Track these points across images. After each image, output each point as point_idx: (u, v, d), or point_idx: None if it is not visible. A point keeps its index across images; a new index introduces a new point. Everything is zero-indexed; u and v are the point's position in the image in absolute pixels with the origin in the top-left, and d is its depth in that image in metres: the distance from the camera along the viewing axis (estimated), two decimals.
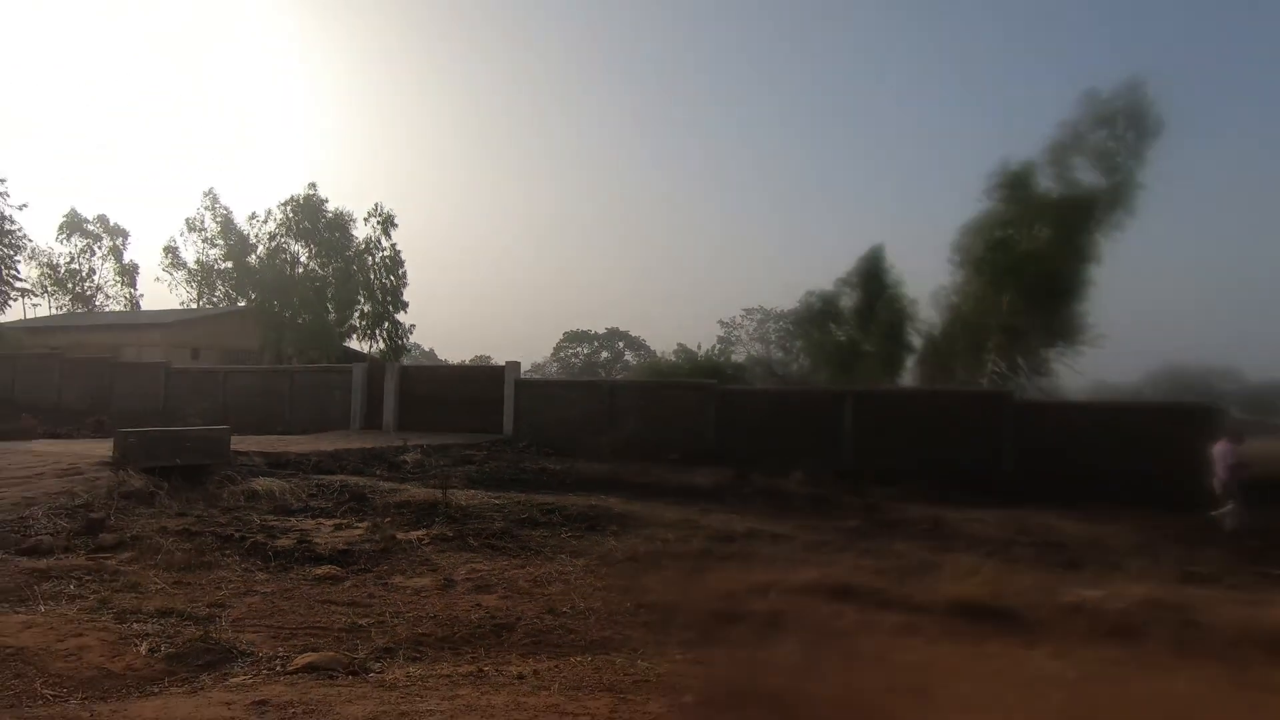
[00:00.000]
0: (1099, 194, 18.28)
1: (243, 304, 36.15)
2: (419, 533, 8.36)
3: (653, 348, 73.37)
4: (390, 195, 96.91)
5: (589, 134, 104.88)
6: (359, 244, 30.49)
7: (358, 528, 8.50)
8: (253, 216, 33.09)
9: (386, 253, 30.12)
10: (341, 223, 30.77)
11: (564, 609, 5.97)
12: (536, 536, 8.41)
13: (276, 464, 12.12)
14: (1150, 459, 14.26)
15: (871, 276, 30.82)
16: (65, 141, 78.43)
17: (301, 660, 4.43)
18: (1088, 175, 18.49)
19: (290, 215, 30.73)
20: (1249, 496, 12.03)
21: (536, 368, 77.02)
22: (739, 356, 60.77)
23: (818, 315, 34.66)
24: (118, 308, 39.73)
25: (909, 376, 29.44)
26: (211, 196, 37.38)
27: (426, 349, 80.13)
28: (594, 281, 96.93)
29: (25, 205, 31.44)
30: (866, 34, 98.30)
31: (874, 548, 8.50)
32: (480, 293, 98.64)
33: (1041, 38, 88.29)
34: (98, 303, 38.16)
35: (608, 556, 7.73)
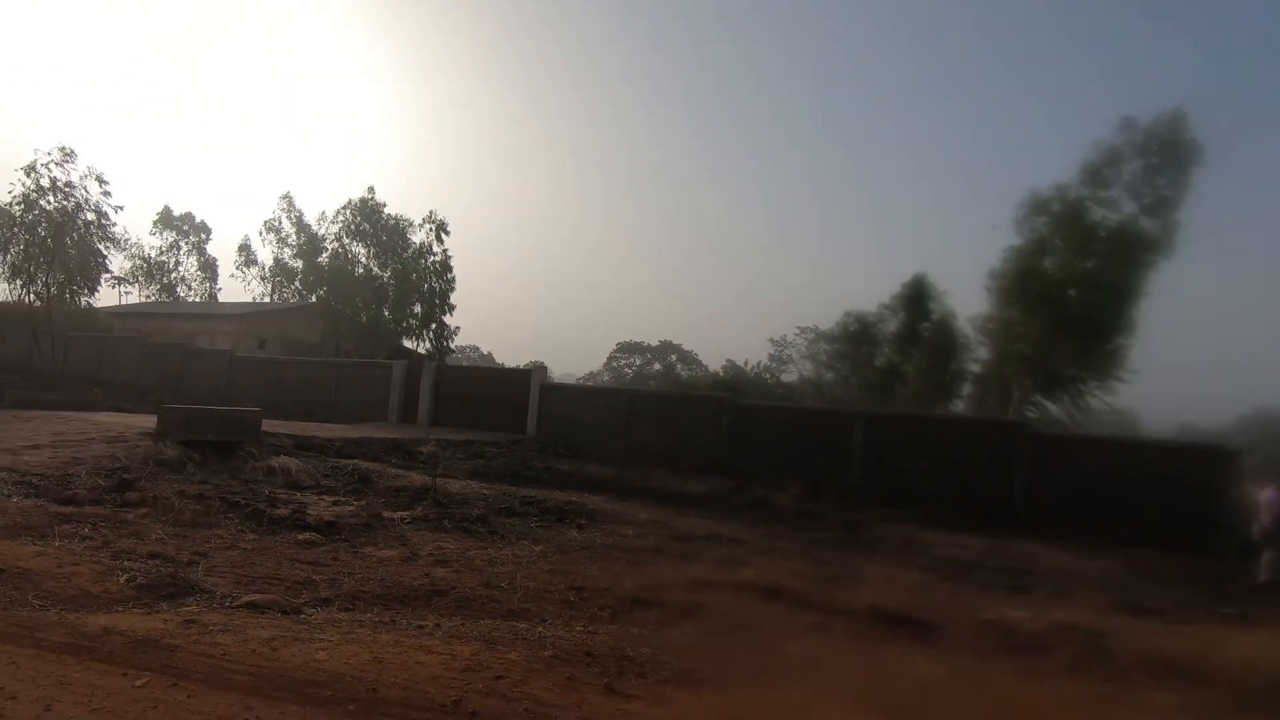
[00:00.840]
0: (1134, 224, 17.88)
1: (313, 300, 38.48)
2: (404, 513, 9.17)
3: (705, 362, 73.63)
4: (453, 204, 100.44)
5: (650, 151, 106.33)
6: (414, 248, 32.20)
7: (351, 505, 9.37)
8: (321, 216, 35.34)
9: (438, 257, 31.72)
10: (399, 227, 32.57)
11: (501, 584, 6.61)
12: (508, 524, 9.10)
13: (302, 446, 13.21)
14: (1165, 498, 13.91)
15: (914, 302, 30.66)
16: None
17: (246, 599, 5.21)
18: (1126, 204, 18.09)
19: (350, 217, 32.73)
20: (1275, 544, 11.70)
21: (591, 376, 78.33)
22: (790, 376, 60.43)
23: (854, 337, 34.57)
24: (199, 299, 42.92)
25: (963, 404, 29.05)
26: (288, 199, 40.06)
27: (485, 352, 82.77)
28: (652, 294, 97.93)
29: (122, 208, 34.51)
30: (919, 54, 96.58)
31: (826, 558, 8.83)
32: (540, 301, 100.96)
33: (1093, 57, 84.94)
34: (180, 293, 41.42)
35: (565, 545, 8.34)
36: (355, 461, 12.57)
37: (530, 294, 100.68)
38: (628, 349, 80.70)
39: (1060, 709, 4.82)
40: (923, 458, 16.11)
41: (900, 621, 6.56)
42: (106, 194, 25.78)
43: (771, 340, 69.65)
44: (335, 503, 9.49)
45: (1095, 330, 19.27)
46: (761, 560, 8.35)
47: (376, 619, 5.11)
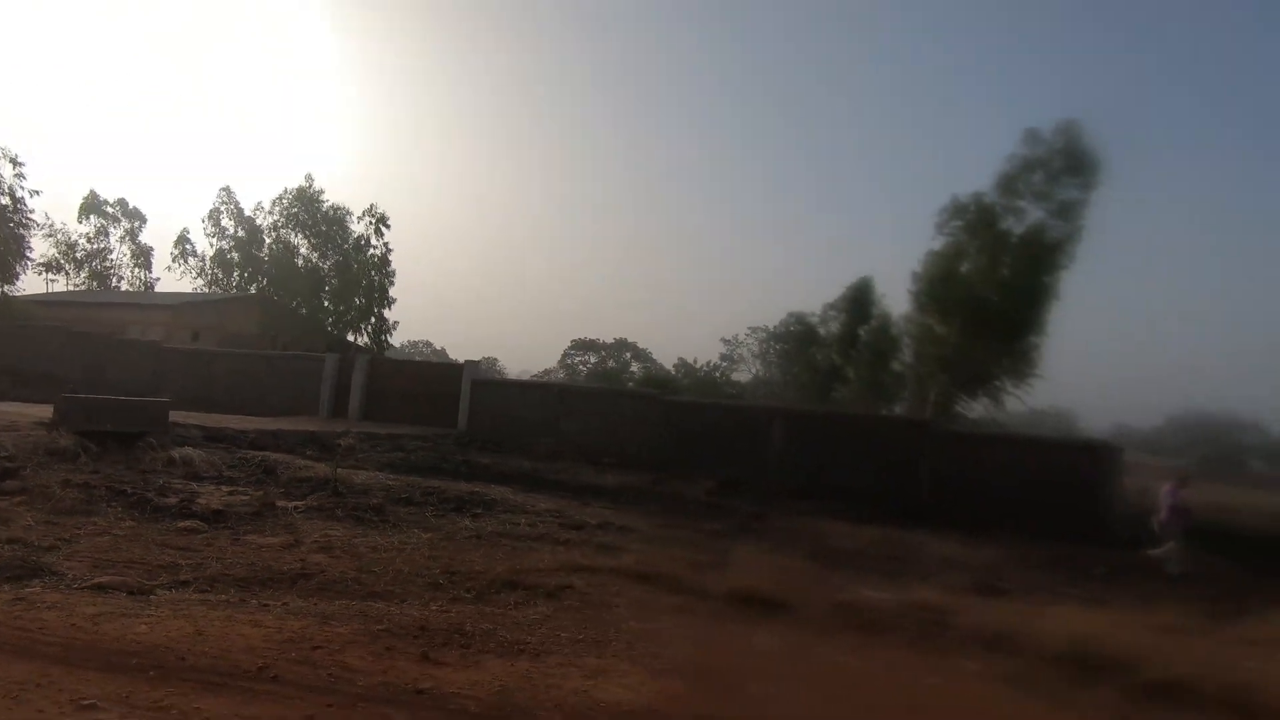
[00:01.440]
0: (1042, 229, 18.81)
1: (252, 291, 37.66)
2: (299, 502, 9.24)
3: (659, 360, 74.10)
4: (412, 199, 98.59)
5: (610, 153, 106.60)
6: (354, 239, 31.86)
7: (247, 494, 9.38)
8: (258, 207, 34.63)
9: (378, 251, 31.43)
10: (338, 217, 32.17)
11: (374, 569, 6.77)
12: (403, 513, 9.24)
13: (213, 438, 13.09)
14: (1056, 491, 14.72)
15: (857, 305, 31.57)
16: (67, 142, 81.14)
17: (96, 580, 5.29)
18: (1034, 211, 19.04)
19: (288, 206, 32.20)
20: (1171, 537, 12.49)
21: (546, 373, 78.16)
22: (743, 375, 61.26)
23: (797, 338, 35.35)
24: (133, 288, 41.61)
25: (901, 405, 29.98)
26: (227, 191, 39.13)
27: (439, 347, 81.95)
28: (610, 293, 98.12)
29: (39, 192, 33.14)
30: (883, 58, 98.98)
31: (712, 546, 9.19)
32: (499, 298, 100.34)
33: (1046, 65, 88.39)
34: (112, 283, 40.09)
35: (454, 533, 8.52)
36: (265, 453, 12.50)
37: (490, 291, 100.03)
38: (582, 346, 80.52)
39: (870, 675, 5.22)
40: (838, 453, 16.70)
41: (760, 602, 6.92)
42: (21, 176, 24.85)
43: (724, 340, 70.43)
44: (231, 492, 9.49)
45: (1009, 331, 20.17)
46: (644, 547, 8.67)
47: (226, 599, 5.24)
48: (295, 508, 8.98)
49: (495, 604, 6.10)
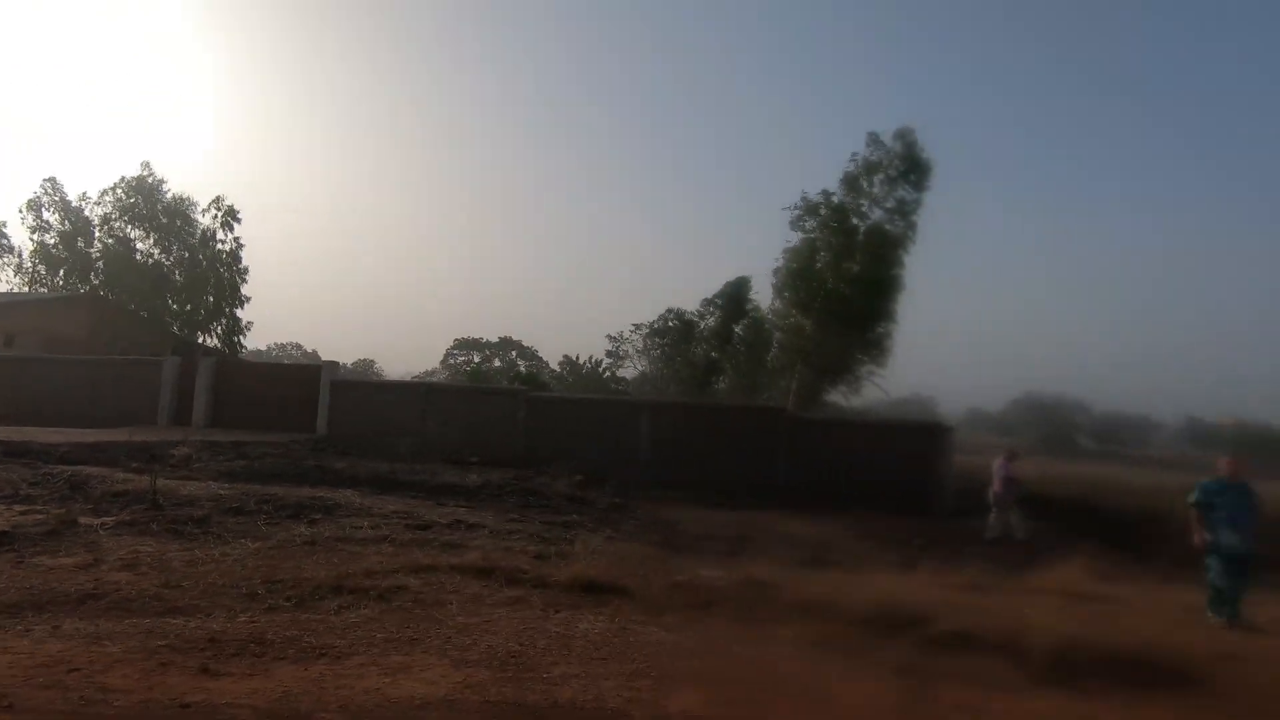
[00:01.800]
0: (883, 226, 20.24)
1: (81, 290, 33.92)
2: (109, 518, 8.44)
3: (545, 358, 73.37)
4: (281, 200, 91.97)
5: (493, 145, 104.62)
6: (200, 233, 29.40)
7: (43, 513, 8.47)
8: (83, 196, 31.21)
9: (227, 246, 29.17)
10: (182, 209, 29.57)
11: (182, 583, 6.29)
12: (231, 523, 8.64)
13: (13, 453, 11.76)
14: (897, 469, 15.89)
15: (733, 301, 32.66)
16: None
17: None
18: (876, 210, 20.46)
19: (123, 196, 29.25)
20: (1002, 506, 13.79)
21: (429, 374, 75.56)
22: (629, 372, 61.61)
23: (674, 333, 36.14)
24: None
25: (780, 396, 31.24)
26: (52, 181, 35.03)
27: (310, 350, 77.35)
28: (496, 293, 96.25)
29: None
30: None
31: (559, 537, 9.24)
32: (380, 303, 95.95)
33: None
34: None
35: (287, 541, 8.07)
36: (78, 468, 11.35)
37: (370, 294, 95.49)
38: (465, 345, 78.48)
39: (681, 648, 5.41)
40: (703, 443, 17.21)
41: (597, 589, 7.02)
42: None
43: (609, 337, 70.65)
44: (24, 512, 8.52)
45: (862, 322, 21.55)
46: (491, 542, 8.58)
47: None
48: (102, 524, 8.20)
49: (317, 610, 5.83)
